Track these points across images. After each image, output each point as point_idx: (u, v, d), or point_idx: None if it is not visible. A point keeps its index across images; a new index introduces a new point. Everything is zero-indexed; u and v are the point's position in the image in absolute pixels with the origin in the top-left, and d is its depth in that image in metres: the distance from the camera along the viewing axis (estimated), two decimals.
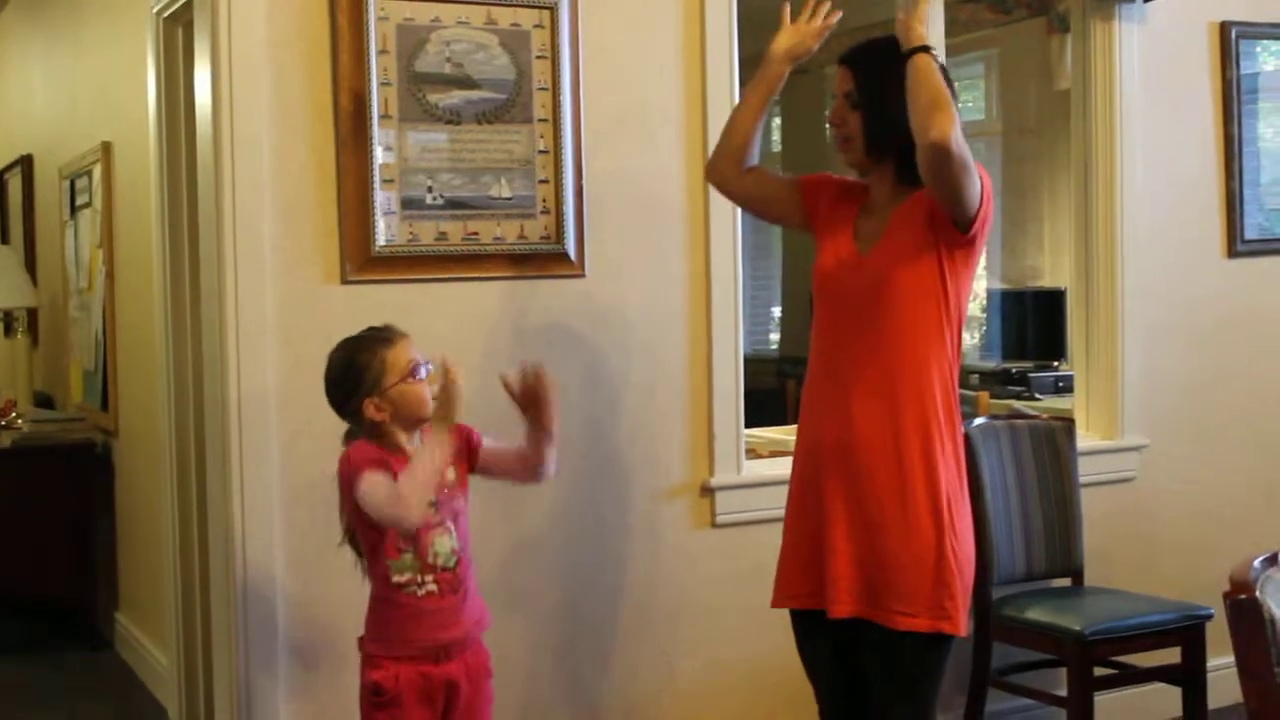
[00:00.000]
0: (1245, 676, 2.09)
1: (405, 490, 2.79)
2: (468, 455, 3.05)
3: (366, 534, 2.93)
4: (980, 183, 2.88)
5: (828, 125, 3.14)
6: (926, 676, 2.95)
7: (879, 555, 2.91)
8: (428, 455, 2.84)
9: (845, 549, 2.94)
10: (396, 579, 2.89)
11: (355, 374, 2.92)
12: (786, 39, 3.14)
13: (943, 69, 2.91)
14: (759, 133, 3.19)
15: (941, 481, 2.92)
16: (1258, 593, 2.07)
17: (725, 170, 3.22)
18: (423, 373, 2.95)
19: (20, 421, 6.14)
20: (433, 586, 2.91)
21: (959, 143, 2.79)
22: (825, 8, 3.15)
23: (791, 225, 3.25)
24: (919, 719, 2.95)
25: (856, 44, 3.07)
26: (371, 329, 2.98)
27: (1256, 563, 2.14)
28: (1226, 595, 2.07)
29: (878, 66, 2.96)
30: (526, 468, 3.10)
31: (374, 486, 2.82)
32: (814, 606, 3.02)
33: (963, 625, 2.93)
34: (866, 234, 3.04)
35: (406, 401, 2.92)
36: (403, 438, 2.95)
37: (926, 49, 2.86)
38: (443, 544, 2.93)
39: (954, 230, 2.91)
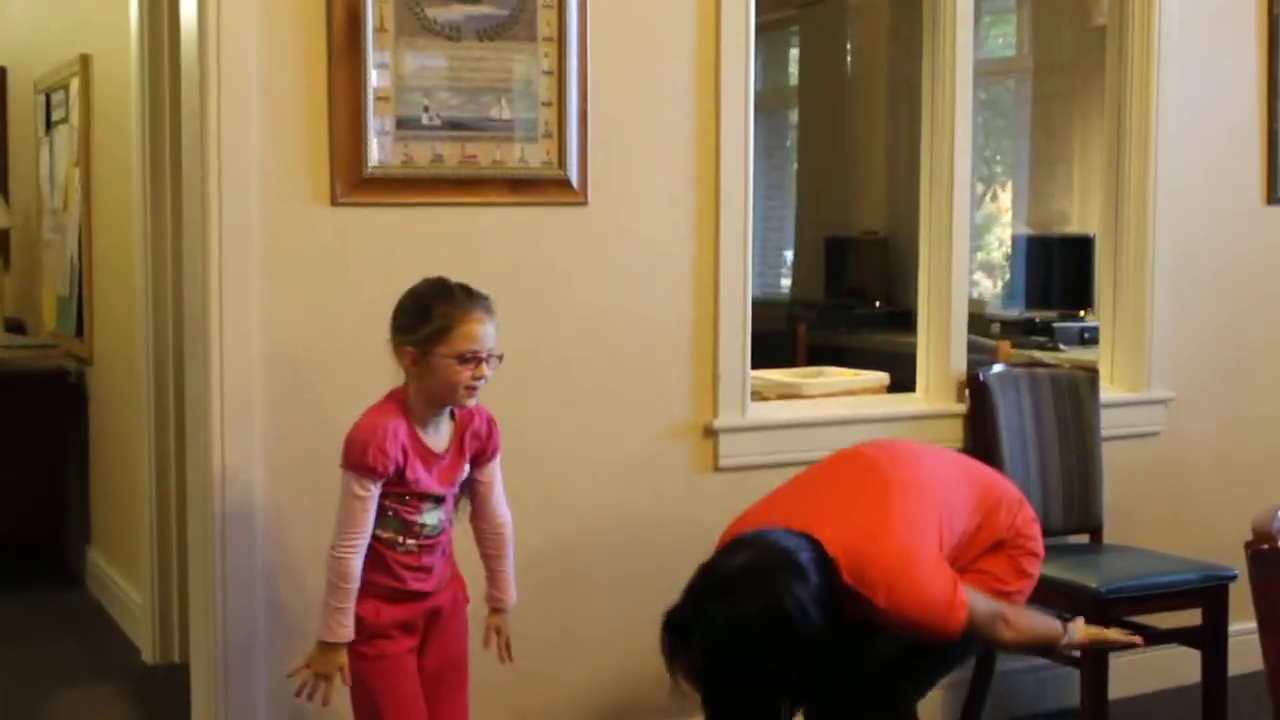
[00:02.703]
0: (1265, 631, 2.12)
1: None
2: (477, 453, 3.08)
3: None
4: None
5: None
6: (933, 659, 3.06)
7: None
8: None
9: None
10: (379, 533, 2.97)
11: (419, 315, 2.94)
12: None
13: None
14: None
15: None
16: None
17: None
18: (485, 369, 2.93)
19: None
20: (413, 545, 3.01)
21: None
22: None
23: None
24: (906, 694, 3.05)
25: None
26: (470, 290, 2.96)
27: None
28: (1248, 545, 2.10)
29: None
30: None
31: (347, 502, 2.91)
32: None
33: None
34: None
35: (439, 378, 2.93)
36: (423, 412, 2.97)
37: None
38: (432, 516, 3.02)
39: None
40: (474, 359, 2.92)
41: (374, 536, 2.96)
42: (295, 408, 3.44)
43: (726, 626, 2.86)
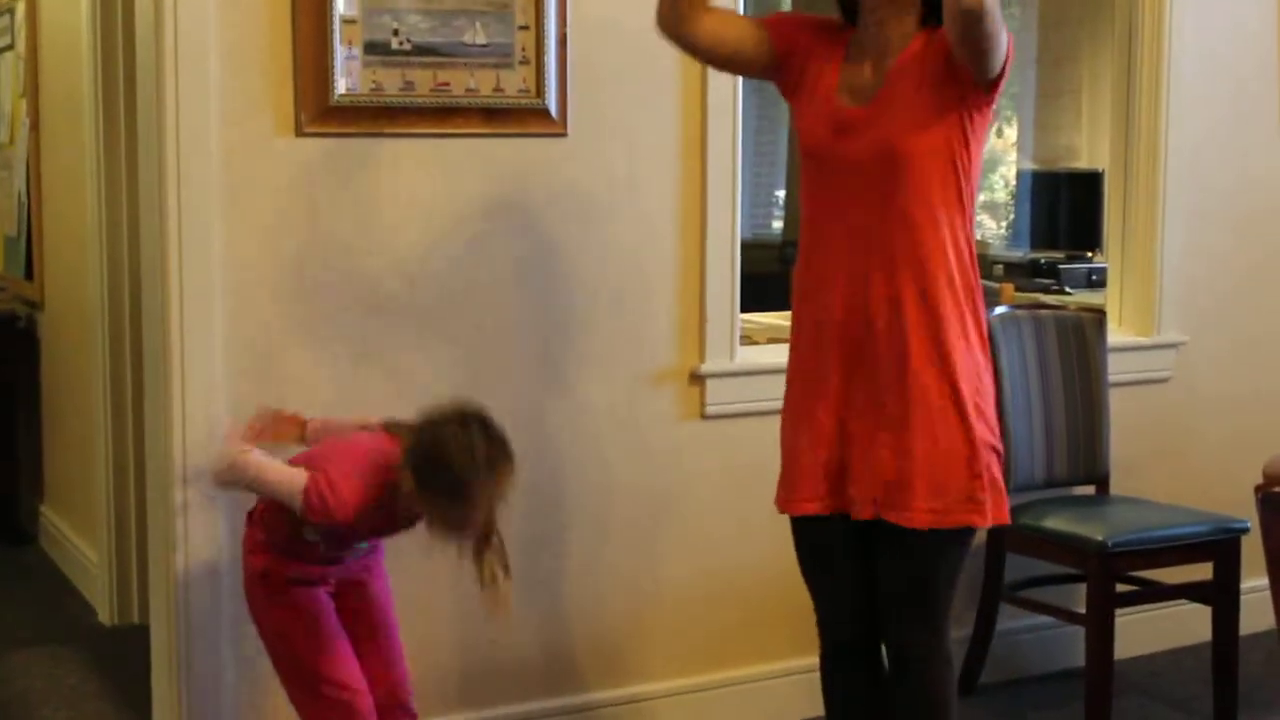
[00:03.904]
0: (1276, 578, 2.14)
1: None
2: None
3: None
4: (1006, 36, 2.86)
5: None
6: (945, 575, 3.02)
7: (903, 450, 2.93)
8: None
9: (866, 444, 2.97)
10: (306, 534, 3.04)
11: (456, 493, 2.94)
12: None
13: None
14: None
15: (962, 366, 2.96)
16: None
17: (681, 10, 3.00)
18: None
19: None
20: (331, 554, 3.11)
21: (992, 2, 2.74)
22: None
23: (757, 75, 3.14)
24: (935, 619, 3.02)
25: None
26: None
27: None
28: (1258, 489, 2.11)
29: None
30: None
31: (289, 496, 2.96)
32: (836, 509, 3.04)
33: (990, 514, 2.95)
34: (859, 87, 2.97)
35: (434, 522, 2.96)
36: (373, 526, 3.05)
37: None
38: (362, 547, 3.14)
39: (978, 89, 2.91)
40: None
41: (299, 535, 3.03)
42: (258, 352, 3.44)
43: None
